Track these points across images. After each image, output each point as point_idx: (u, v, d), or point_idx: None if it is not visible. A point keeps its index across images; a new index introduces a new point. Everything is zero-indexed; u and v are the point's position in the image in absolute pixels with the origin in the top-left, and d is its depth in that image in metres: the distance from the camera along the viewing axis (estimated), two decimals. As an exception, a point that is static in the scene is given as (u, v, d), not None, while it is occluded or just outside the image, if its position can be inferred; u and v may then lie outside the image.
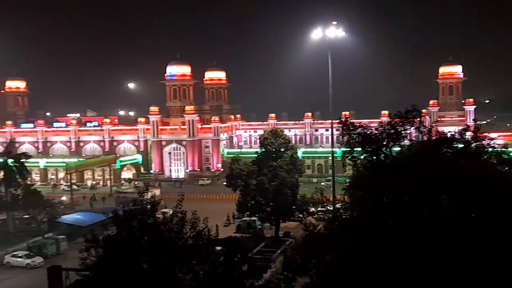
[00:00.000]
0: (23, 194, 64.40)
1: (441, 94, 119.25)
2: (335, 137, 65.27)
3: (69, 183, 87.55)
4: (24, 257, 49.23)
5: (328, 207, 27.48)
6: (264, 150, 55.15)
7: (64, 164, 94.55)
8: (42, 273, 33.46)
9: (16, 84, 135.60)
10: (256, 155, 56.29)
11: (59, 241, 53.66)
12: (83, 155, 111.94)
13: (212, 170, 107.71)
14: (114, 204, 72.40)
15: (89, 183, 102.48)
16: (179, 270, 20.74)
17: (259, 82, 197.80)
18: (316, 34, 62.95)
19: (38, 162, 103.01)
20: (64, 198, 79.02)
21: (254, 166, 53.71)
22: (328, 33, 61.71)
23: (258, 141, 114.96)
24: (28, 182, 70.92)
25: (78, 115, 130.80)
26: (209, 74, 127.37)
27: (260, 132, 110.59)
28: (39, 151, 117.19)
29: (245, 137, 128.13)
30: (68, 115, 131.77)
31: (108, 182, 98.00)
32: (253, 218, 56.91)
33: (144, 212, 21.71)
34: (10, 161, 64.12)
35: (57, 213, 64.68)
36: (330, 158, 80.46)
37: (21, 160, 65.35)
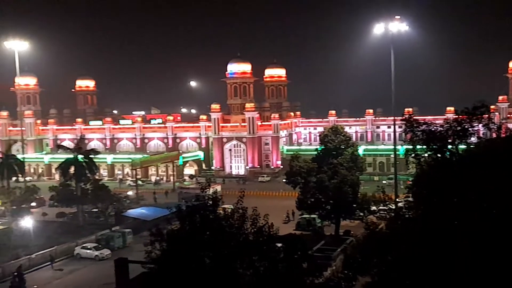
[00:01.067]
0: (92, 188, 67.37)
1: (511, 89, 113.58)
2: (397, 134, 63.76)
3: (134, 179, 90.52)
4: (93, 249, 51.32)
5: (390, 206, 26.91)
6: (324, 147, 54.66)
7: (130, 160, 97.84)
8: (109, 265, 34.91)
9: (85, 83, 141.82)
10: (316, 153, 55.90)
11: (125, 234, 55.53)
12: (148, 152, 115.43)
13: (272, 167, 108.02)
14: (177, 199, 74.41)
15: (153, 178, 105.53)
16: (239, 266, 20.97)
17: (319, 79, 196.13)
18: (379, 28, 61.61)
19: (105, 158, 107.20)
20: (130, 193, 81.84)
21: (314, 163, 53.35)
22: (391, 27, 60.25)
23: (318, 138, 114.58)
24: (97, 177, 73.94)
25: (143, 112, 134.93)
26: (269, 72, 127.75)
27: (320, 129, 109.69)
28: (106, 147, 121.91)
29: (304, 134, 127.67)
30: (133, 112, 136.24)
31: (171, 178, 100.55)
32: (313, 216, 56.59)
33: (206, 207, 22.09)
34: (80, 157, 67.07)
35: (123, 207, 67.19)
36: (392, 156, 78.70)
37: (90, 156, 68.25)
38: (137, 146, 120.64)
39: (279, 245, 22.28)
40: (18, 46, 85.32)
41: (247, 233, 21.51)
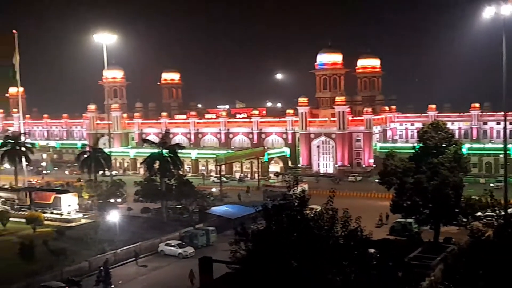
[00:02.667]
0: (176, 184, 69.96)
1: None
2: (508, 131, 60.20)
3: (218, 175, 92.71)
4: (177, 247, 53.18)
5: (499, 212, 25.52)
6: (422, 145, 52.75)
7: (214, 156, 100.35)
8: (193, 263, 36.11)
9: (171, 76, 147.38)
10: (413, 151, 54.10)
11: (209, 232, 56.99)
12: (232, 147, 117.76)
13: (363, 165, 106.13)
14: (262, 197, 75.31)
15: (237, 175, 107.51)
16: (328, 271, 20.86)
17: (417, 70, 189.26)
18: (488, 12, 58.25)
19: (190, 153, 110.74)
20: (213, 189, 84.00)
21: (411, 162, 51.69)
22: (503, 10, 56.77)
23: (415, 135, 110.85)
24: (181, 173, 76.62)
25: (227, 106, 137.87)
26: (361, 62, 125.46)
27: (418, 125, 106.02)
28: (191, 142, 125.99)
29: (400, 130, 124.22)
30: (218, 106, 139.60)
31: (256, 175, 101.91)
32: (409, 220, 54.96)
33: (293, 207, 22.17)
34: (165, 151, 69.86)
35: (207, 204, 69.13)
36: (501, 155, 74.41)
37: (175, 151, 70.85)
38: (221, 141, 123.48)
39: (372, 250, 21.92)
40: (107, 39, 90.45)
41: (337, 236, 21.35)
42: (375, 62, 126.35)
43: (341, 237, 21.41)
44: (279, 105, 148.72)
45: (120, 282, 45.09)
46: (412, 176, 50.60)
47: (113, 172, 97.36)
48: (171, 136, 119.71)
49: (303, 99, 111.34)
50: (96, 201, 70.40)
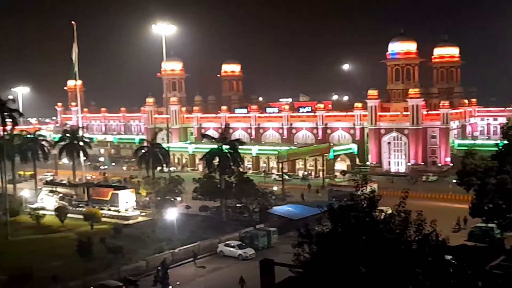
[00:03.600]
0: (236, 182, 70.63)
1: None
2: None
3: (280, 173, 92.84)
4: (237, 247, 53.70)
5: None
6: (507, 142, 50.79)
7: (276, 152, 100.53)
8: (253, 265, 36.30)
9: (231, 68, 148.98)
10: (496, 148, 52.20)
11: (271, 233, 57.19)
12: (295, 143, 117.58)
13: (439, 164, 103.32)
14: (327, 197, 74.77)
15: (300, 173, 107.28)
16: (400, 278, 20.45)
17: (501, 59, 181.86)
18: None
19: (250, 149, 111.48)
20: (275, 188, 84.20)
21: (494, 161, 49.86)
22: None
23: (498, 131, 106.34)
24: (241, 170, 77.21)
25: (290, 100, 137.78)
26: (438, 51, 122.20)
27: (502, 120, 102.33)
28: (251, 137, 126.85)
29: (481, 126, 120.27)
30: (280, 100, 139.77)
31: (321, 173, 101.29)
32: (490, 225, 53.07)
33: (361, 208, 21.88)
34: (225, 147, 70.67)
35: (268, 203, 69.36)
36: None
37: (235, 147, 71.50)
38: (283, 137, 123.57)
39: (448, 257, 21.30)
40: (166, 29, 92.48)
41: (410, 241, 20.89)
42: (454, 51, 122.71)
43: (414, 242, 20.95)
44: (346, 98, 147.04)
45: (178, 283, 46.06)
46: (494, 176, 48.85)
47: (171, 168, 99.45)
48: (231, 131, 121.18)
49: (372, 92, 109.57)
50: (153, 198, 72.18)
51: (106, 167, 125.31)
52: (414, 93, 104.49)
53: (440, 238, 21.14)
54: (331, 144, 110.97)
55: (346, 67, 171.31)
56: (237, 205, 71.18)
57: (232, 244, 54.38)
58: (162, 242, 54.14)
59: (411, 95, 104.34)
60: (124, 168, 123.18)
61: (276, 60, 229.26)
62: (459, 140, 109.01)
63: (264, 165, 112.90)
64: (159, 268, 46.18)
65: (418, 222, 21.07)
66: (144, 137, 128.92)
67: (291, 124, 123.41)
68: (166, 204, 67.59)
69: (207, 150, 74.68)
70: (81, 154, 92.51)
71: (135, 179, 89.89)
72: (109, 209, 71.05)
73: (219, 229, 61.43)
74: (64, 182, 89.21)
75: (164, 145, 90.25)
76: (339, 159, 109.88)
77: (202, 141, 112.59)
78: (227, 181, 70.53)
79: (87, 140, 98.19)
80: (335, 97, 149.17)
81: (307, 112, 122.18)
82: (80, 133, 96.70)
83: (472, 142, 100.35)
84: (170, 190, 72.13)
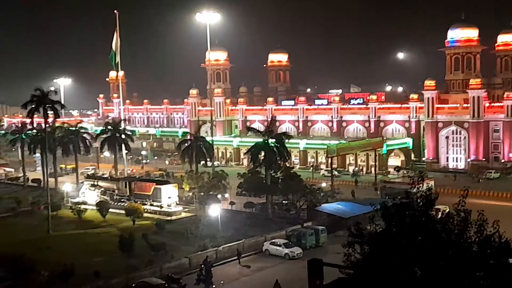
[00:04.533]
0: (283, 177, 70.61)
1: None
2: None
3: (330, 168, 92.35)
4: (283, 246, 53.63)
5: None
6: None
7: (325, 147, 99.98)
8: (301, 265, 36.27)
9: (278, 58, 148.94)
10: None
11: (319, 232, 56.94)
12: (345, 137, 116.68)
13: (502, 160, 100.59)
14: (379, 194, 73.93)
15: (351, 169, 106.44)
16: (459, 281, 20.07)
17: None
18: None
19: (298, 143, 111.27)
20: (324, 184, 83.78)
21: None
22: None
23: None
24: (288, 165, 77.11)
25: (340, 91, 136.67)
26: (502, 38, 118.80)
27: None
28: (299, 131, 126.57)
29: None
30: (330, 91, 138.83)
31: (373, 169, 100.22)
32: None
33: (417, 207, 21.58)
34: (271, 141, 70.71)
35: (317, 200, 69.08)
36: None
37: (282, 141, 71.44)
38: (333, 130, 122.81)
39: (513, 261, 20.79)
40: (210, 18, 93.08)
41: (470, 242, 20.46)
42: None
43: (474, 243, 20.52)
44: (400, 89, 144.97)
45: (222, 282, 46.43)
46: None
47: (215, 163, 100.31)
48: (277, 124, 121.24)
49: (430, 82, 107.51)
50: (197, 194, 72.97)
51: (148, 160, 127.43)
52: (475, 83, 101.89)
53: (503, 240, 20.64)
54: (384, 138, 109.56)
55: (401, 56, 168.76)
56: (284, 201, 71.18)
57: (278, 243, 54.38)
58: (206, 240, 54.60)
59: (472, 86, 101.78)
60: (167, 162, 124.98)
61: (326, 49, 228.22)
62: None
63: (312, 160, 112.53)
64: (202, 266, 46.64)
65: (479, 222, 20.62)
66: (187, 130, 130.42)
67: (341, 117, 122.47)
68: (210, 199, 68.21)
69: (252, 144, 74.90)
70: (123, 147, 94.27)
71: (178, 174, 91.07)
72: (152, 204, 72.22)
73: (265, 227, 61.60)
74: (105, 176, 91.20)
75: (208, 139, 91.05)
76: (392, 154, 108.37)
77: (247, 135, 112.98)
78: (273, 177, 70.57)
79: (129, 133, 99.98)
80: (388, 88, 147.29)
81: (359, 104, 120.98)
82: (122, 125, 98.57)
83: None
84: (214, 185, 72.77)
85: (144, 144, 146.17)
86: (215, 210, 60.87)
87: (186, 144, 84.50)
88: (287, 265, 50.46)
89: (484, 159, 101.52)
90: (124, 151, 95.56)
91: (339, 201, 69.97)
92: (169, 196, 72.40)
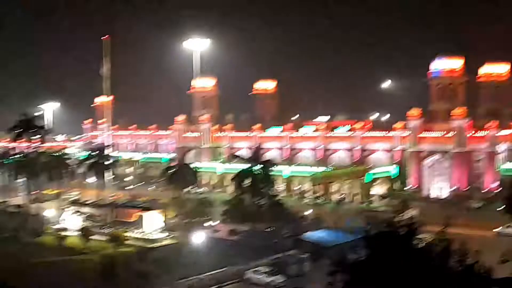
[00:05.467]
0: (267, 205, 70.33)
1: None
2: None
3: (314, 196, 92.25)
4: (266, 275, 53.23)
5: None
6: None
7: (310, 174, 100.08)
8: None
9: (265, 85, 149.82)
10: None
11: (302, 260, 56.66)
12: (331, 165, 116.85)
13: (484, 190, 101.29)
14: (363, 223, 73.78)
15: (335, 197, 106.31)
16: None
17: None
18: None
19: (282, 171, 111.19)
20: (308, 212, 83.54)
21: (545, 188, 48.68)
22: None
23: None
24: (273, 192, 76.94)
25: (327, 118, 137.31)
26: (486, 69, 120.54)
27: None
28: (284, 158, 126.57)
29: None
30: (317, 118, 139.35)
31: (357, 197, 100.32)
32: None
33: (400, 236, 21.57)
34: (256, 168, 70.59)
35: (300, 228, 68.76)
36: None
37: (267, 168, 71.37)
38: (318, 158, 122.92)
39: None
40: (199, 45, 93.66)
41: (451, 272, 20.43)
42: (502, 69, 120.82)
43: (456, 273, 20.49)
44: (386, 117, 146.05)
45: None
46: (546, 204, 47.64)
47: (200, 190, 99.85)
48: (263, 151, 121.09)
49: (414, 111, 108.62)
50: (181, 221, 72.38)
51: (132, 187, 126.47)
52: (458, 113, 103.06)
53: (485, 269, 20.64)
54: (369, 166, 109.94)
55: (387, 84, 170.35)
56: (268, 229, 70.77)
57: (261, 271, 53.99)
58: (189, 267, 54.00)
59: (456, 116, 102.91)
60: (152, 188, 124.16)
61: (314, 77, 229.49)
62: (507, 165, 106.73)
63: (297, 187, 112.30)
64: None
65: (460, 252, 20.64)
66: (173, 156, 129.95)
67: (326, 145, 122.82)
68: (194, 227, 67.67)
69: (238, 171, 74.73)
70: (108, 173, 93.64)
71: (162, 200, 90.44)
72: (135, 231, 71.50)
73: (248, 255, 61.04)
74: (89, 202, 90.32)
75: (193, 165, 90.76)
76: (377, 182, 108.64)
77: (233, 161, 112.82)
78: (258, 204, 70.27)
79: (114, 158, 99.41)
80: (374, 116, 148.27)
81: (344, 132, 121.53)
82: (107, 151, 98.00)
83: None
84: (198, 212, 72.30)
85: (129, 170, 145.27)
86: (198, 238, 60.35)
87: (171, 171, 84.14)
88: (269, 294, 49.93)
89: (467, 189, 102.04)
90: (108, 177, 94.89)
91: (323, 230, 69.76)
92: (153, 223, 71.76)
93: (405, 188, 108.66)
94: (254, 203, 69.53)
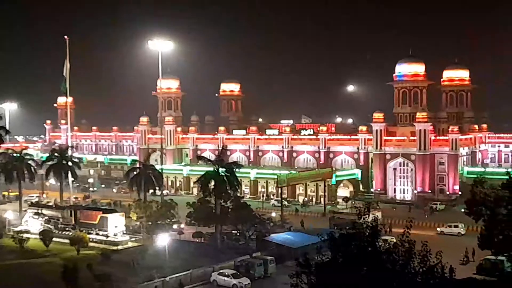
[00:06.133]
0: (233, 207, 70.44)
1: None
2: None
3: (279, 198, 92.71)
4: (231, 277, 53.30)
5: None
6: (519, 170, 50.82)
7: (275, 177, 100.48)
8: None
9: (230, 87, 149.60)
10: (507, 177, 52.17)
11: (267, 262, 56.89)
12: (296, 167, 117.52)
13: (447, 192, 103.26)
14: (328, 225, 74.54)
15: (300, 199, 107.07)
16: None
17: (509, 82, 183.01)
18: None
19: (249, 173, 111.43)
20: (273, 214, 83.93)
21: (505, 190, 49.83)
22: None
23: (510, 158, 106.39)
24: (238, 194, 77.02)
25: (291, 121, 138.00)
26: (448, 74, 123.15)
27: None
28: (250, 160, 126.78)
29: (492, 153, 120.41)
30: (281, 121, 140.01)
31: (322, 199, 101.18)
32: (500, 258, 52.84)
33: (364, 237, 21.92)
34: (221, 170, 70.61)
35: (266, 230, 69.11)
36: None
37: (233, 170, 71.46)
38: (284, 160, 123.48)
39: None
40: (162, 46, 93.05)
41: (414, 273, 20.88)
42: (464, 74, 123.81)
43: (418, 274, 20.92)
44: (350, 121, 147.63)
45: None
46: (505, 206, 48.79)
47: (164, 192, 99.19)
48: (228, 153, 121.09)
49: (378, 115, 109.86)
50: (145, 223, 71.87)
51: (95, 188, 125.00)
52: (421, 117, 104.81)
53: (446, 271, 21.12)
54: (334, 169, 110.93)
55: (351, 88, 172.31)
56: (233, 231, 70.86)
57: (226, 273, 54.06)
58: (153, 270, 53.70)
59: (419, 119, 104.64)
60: (115, 190, 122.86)
61: (279, 80, 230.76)
62: (469, 167, 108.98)
63: (263, 189, 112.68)
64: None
65: (423, 253, 21.08)
66: (136, 158, 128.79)
67: (291, 147, 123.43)
68: (158, 229, 67.27)
69: (203, 173, 74.58)
70: (70, 175, 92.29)
71: (125, 202, 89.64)
72: (97, 234, 70.62)
73: (214, 257, 61.05)
74: (50, 204, 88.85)
75: (158, 167, 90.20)
76: (341, 185, 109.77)
77: (198, 163, 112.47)
78: (223, 206, 70.33)
79: (76, 160, 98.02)
80: (339, 119, 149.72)
81: (309, 134, 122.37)
82: (69, 152, 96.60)
83: (482, 169, 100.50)
84: (163, 214, 71.87)
85: (92, 171, 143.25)
86: (163, 240, 60.02)
87: (134, 172, 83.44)
88: (235, 296, 50.05)
89: (430, 191, 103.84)
90: (70, 179, 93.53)
91: (288, 231, 70.17)
92: (115, 225, 70.96)
93: (370, 191, 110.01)
94: (220, 205, 69.51)
